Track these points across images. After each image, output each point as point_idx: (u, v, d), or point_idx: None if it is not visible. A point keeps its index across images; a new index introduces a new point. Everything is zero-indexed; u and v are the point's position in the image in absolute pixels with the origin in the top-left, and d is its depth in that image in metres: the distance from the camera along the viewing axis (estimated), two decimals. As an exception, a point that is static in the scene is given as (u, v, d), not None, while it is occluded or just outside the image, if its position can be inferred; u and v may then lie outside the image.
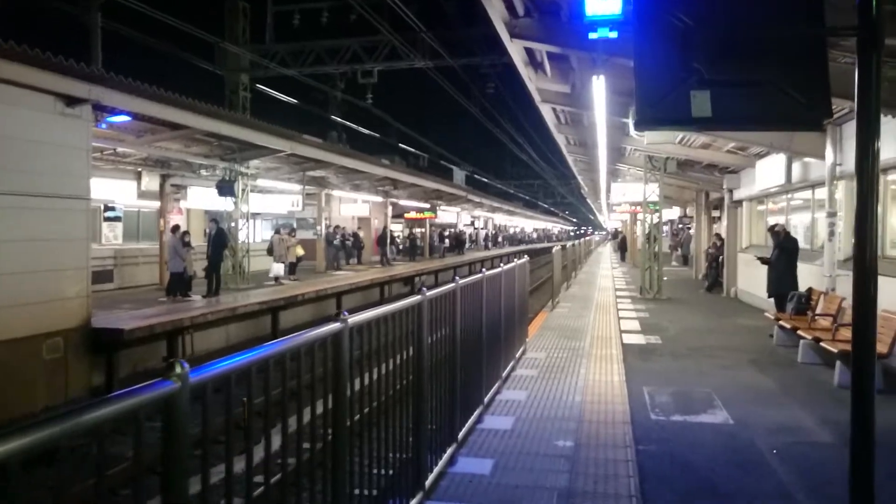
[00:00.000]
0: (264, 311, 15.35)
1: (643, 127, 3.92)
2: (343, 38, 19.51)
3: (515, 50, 7.53)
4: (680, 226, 29.31)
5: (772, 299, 10.17)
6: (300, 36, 19.40)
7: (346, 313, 3.06)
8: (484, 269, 5.62)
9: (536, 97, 10.14)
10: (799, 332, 7.94)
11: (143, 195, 17.21)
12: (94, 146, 13.30)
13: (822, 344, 7.10)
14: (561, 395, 6.49)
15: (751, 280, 14.78)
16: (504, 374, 6.79)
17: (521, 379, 7.16)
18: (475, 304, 5.36)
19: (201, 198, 18.64)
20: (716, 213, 23.01)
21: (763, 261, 10.15)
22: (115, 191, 16.65)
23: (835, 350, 6.68)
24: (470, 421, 5.19)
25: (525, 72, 8.38)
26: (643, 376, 7.37)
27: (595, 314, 12.77)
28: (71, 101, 10.13)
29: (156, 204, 17.94)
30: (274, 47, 19.83)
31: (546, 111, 11.66)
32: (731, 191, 16.09)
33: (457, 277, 4.61)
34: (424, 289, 3.72)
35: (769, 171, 11.74)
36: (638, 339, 9.93)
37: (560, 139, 15.85)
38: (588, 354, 8.60)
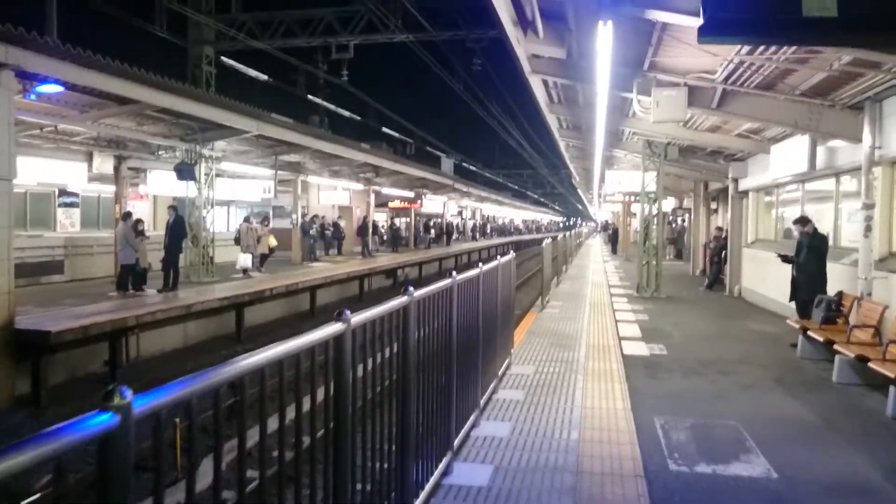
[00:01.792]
0: (226, 308, 13.99)
1: (712, 36, 2.59)
2: (316, 7, 17.95)
3: (502, 2, 6.18)
4: (672, 217, 28.13)
5: (791, 303, 8.93)
6: (269, 5, 17.92)
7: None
8: (454, 274, 4.29)
9: (526, 67, 8.79)
10: (836, 346, 6.68)
11: (94, 178, 15.72)
12: (29, 121, 11.87)
13: (871, 365, 5.84)
14: (553, 429, 5.19)
15: (758, 278, 13.57)
16: (483, 401, 5.48)
17: (503, 405, 5.85)
18: (441, 320, 4.04)
19: (166, 183, 17.15)
20: (714, 206, 21.85)
21: (786, 259, 8.90)
22: (64, 173, 15.15)
23: (892, 375, 5.43)
24: (433, 477, 3.87)
25: (513, 32, 7.05)
26: (652, 401, 6.09)
27: (589, 315, 11.50)
28: (-16, 65, 8.68)
29: (117, 189, 16.47)
30: (241, 17, 18.24)
31: (537, 85, 10.31)
32: (736, 180, 14.83)
33: (410, 289, 3.28)
34: (348, 313, 2.41)
35: (786, 156, 10.48)
36: (640, 349, 8.65)
37: (552, 121, 14.50)
38: (584, 369, 7.32)
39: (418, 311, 3.38)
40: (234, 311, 14.32)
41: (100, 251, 16.71)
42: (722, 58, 7.69)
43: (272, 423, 2.08)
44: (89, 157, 15.12)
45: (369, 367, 2.82)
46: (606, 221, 55.22)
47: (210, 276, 15.90)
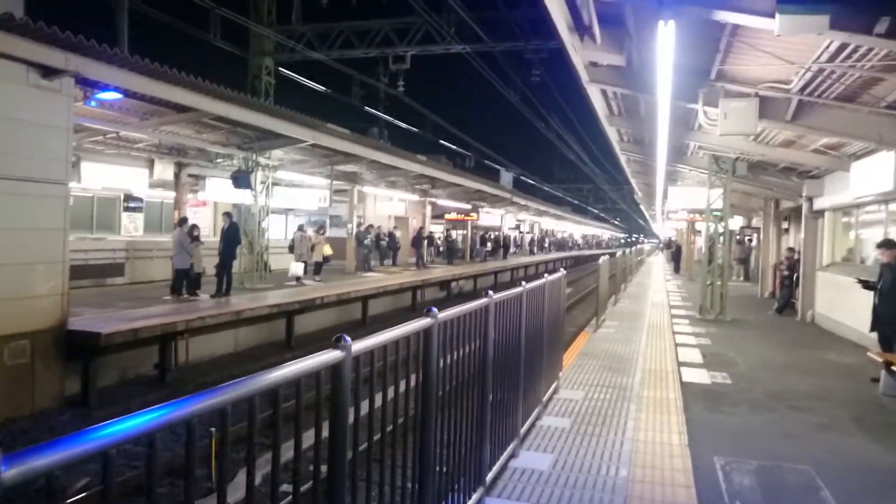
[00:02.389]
0: (277, 315, 13.98)
1: (792, 5, 2.18)
2: (373, 18, 17.96)
3: (557, 6, 5.81)
4: (739, 237, 26.85)
5: (873, 334, 8.14)
6: (328, 16, 18.02)
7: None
8: (490, 293, 3.93)
9: (584, 76, 8.37)
10: (925, 385, 5.96)
11: (156, 184, 16.08)
12: (93, 127, 12.18)
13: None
14: (599, 465, 4.74)
15: (834, 304, 12.62)
16: (523, 431, 5.07)
17: (547, 433, 5.43)
18: (476, 342, 3.69)
19: (225, 190, 17.40)
20: (785, 225, 20.70)
21: (867, 286, 8.13)
22: (127, 179, 15.55)
23: None
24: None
25: (569, 39, 6.66)
26: (712, 438, 5.54)
27: (647, 338, 10.88)
28: (47, 71, 8.88)
29: (177, 195, 16.84)
30: (300, 28, 18.42)
31: (595, 95, 9.84)
32: (810, 199, 13.90)
33: (433, 310, 2.94)
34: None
35: (868, 174, 9.66)
36: (701, 377, 8.04)
37: (612, 134, 13.95)
38: (638, 397, 6.80)
39: (440, 336, 3.03)
40: (285, 318, 14.31)
41: (159, 255, 17.03)
42: (798, 65, 7.09)
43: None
44: (151, 164, 15.48)
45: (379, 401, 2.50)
46: (669, 239, 53.58)
47: (263, 283, 15.98)
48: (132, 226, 18.37)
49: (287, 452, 2.10)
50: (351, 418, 2.25)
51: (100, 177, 14.67)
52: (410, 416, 2.90)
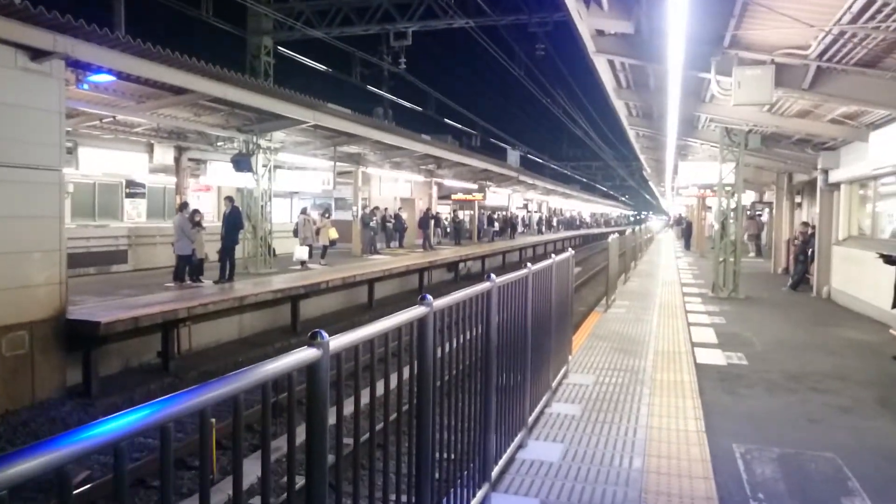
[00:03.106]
0: (281, 300, 13.79)
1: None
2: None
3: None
4: (751, 213, 26.37)
5: (894, 310, 7.83)
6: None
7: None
8: (493, 277, 3.65)
9: (590, 46, 7.99)
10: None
11: (156, 169, 15.83)
12: (89, 111, 11.91)
13: None
14: (612, 455, 4.49)
15: (851, 279, 12.28)
16: (531, 419, 4.83)
17: (556, 421, 5.19)
18: (479, 329, 3.43)
19: (227, 174, 17.14)
20: (799, 199, 20.27)
21: (889, 260, 7.80)
22: (127, 164, 15.31)
23: None
24: (464, 515, 3.27)
25: (574, 5, 6.30)
26: (730, 423, 5.28)
27: (659, 318, 10.60)
28: (36, 54, 8.60)
29: (178, 180, 16.61)
30: (299, 6, 17.99)
31: (602, 67, 9.46)
32: (826, 171, 13.49)
33: (428, 298, 2.68)
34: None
35: (888, 144, 9.27)
36: (716, 358, 7.76)
37: (620, 108, 13.54)
38: (651, 380, 6.54)
39: (436, 325, 2.76)
40: (290, 303, 14.13)
41: (162, 241, 16.84)
42: (818, 28, 6.70)
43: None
44: (151, 149, 15.22)
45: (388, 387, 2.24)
46: (679, 215, 53.03)
47: (268, 268, 15.77)
48: (135, 212, 18.18)
49: (253, 464, 1.86)
50: (333, 420, 2.00)
51: (99, 163, 14.44)
52: (405, 412, 2.66)
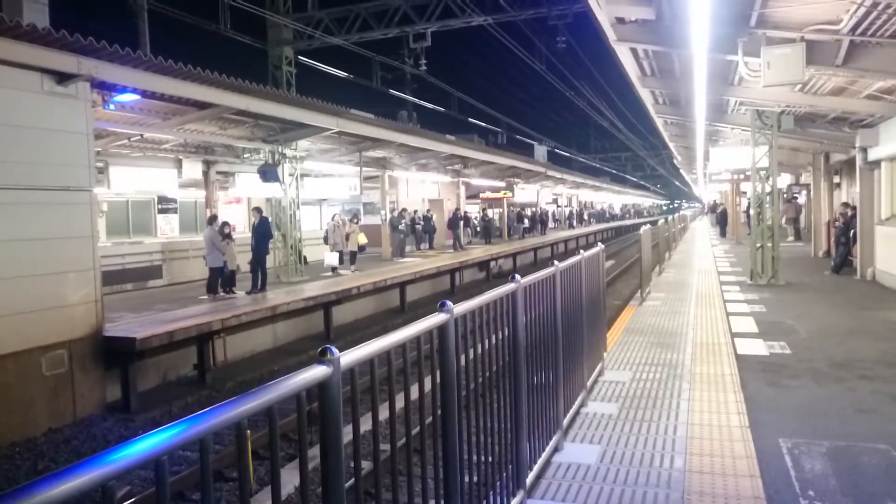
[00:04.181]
0: (313, 308, 13.84)
1: None
2: (390, -3, 17.49)
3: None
4: (785, 195, 25.68)
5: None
6: (343, 0, 17.51)
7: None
8: (518, 278, 3.54)
9: (611, 34, 7.81)
10: None
11: (186, 184, 16.05)
12: (118, 131, 12.11)
13: None
14: (652, 455, 4.34)
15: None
16: (566, 421, 4.70)
17: (593, 421, 5.05)
18: (506, 330, 3.33)
19: (254, 185, 17.31)
20: (837, 179, 19.67)
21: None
22: (158, 181, 15.55)
23: None
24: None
25: (592, -7, 6.15)
26: (775, 417, 5.07)
27: (696, 308, 10.33)
28: (62, 77, 8.76)
29: (207, 194, 16.81)
30: (317, 14, 18.07)
31: (625, 55, 9.25)
32: (865, 149, 13.01)
33: (448, 304, 2.59)
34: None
35: (930, 118, 8.89)
36: (757, 348, 7.51)
37: (646, 96, 13.27)
38: (690, 374, 6.34)
39: (458, 331, 2.67)
40: (322, 310, 14.18)
41: (195, 255, 17.08)
42: (849, 1, 6.43)
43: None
44: (179, 164, 15.43)
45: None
46: (713, 202, 52.01)
47: (299, 276, 15.87)
48: (168, 227, 18.48)
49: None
50: (350, 437, 1.92)
51: (130, 180, 14.69)
52: (429, 424, 2.57)
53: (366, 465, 3.99)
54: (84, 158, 9.21)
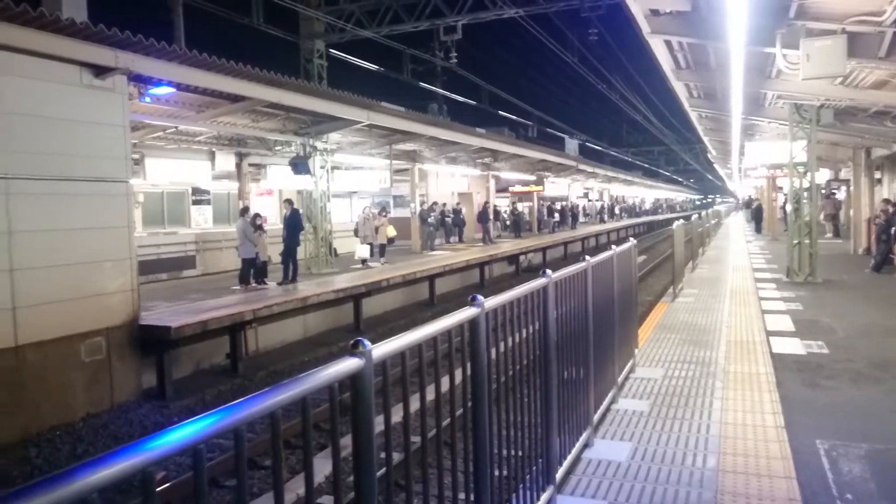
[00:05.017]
0: (343, 300, 13.95)
1: None
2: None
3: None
4: (823, 190, 25.06)
5: None
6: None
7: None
8: (548, 272, 3.51)
9: (644, 26, 7.67)
10: None
11: (219, 176, 16.28)
12: (153, 124, 12.32)
13: None
14: (684, 453, 4.28)
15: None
16: (597, 417, 4.66)
17: (624, 418, 5.00)
18: (537, 324, 3.31)
19: (286, 178, 17.49)
20: (878, 175, 19.14)
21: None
22: (191, 172, 15.81)
23: None
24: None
25: (627, -16, 6.06)
26: (812, 417, 4.96)
27: (730, 305, 10.16)
28: (99, 70, 8.93)
29: (240, 185, 17.05)
30: (349, 7, 18.14)
31: (659, 48, 9.09)
32: (909, 144, 12.63)
33: (479, 298, 2.57)
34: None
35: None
36: (793, 347, 7.36)
37: (680, 89, 13.04)
38: (724, 373, 6.24)
39: (488, 326, 2.66)
40: (352, 302, 14.28)
41: (227, 245, 17.34)
42: (895, -9, 6.22)
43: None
44: (213, 156, 15.66)
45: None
46: (748, 197, 51.01)
47: (330, 268, 16.00)
48: (201, 218, 18.79)
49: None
50: (382, 427, 1.93)
51: (165, 172, 14.96)
52: (459, 416, 2.56)
53: (396, 456, 4.01)
54: (121, 150, 9.39)
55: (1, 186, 7.88)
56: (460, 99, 25.78)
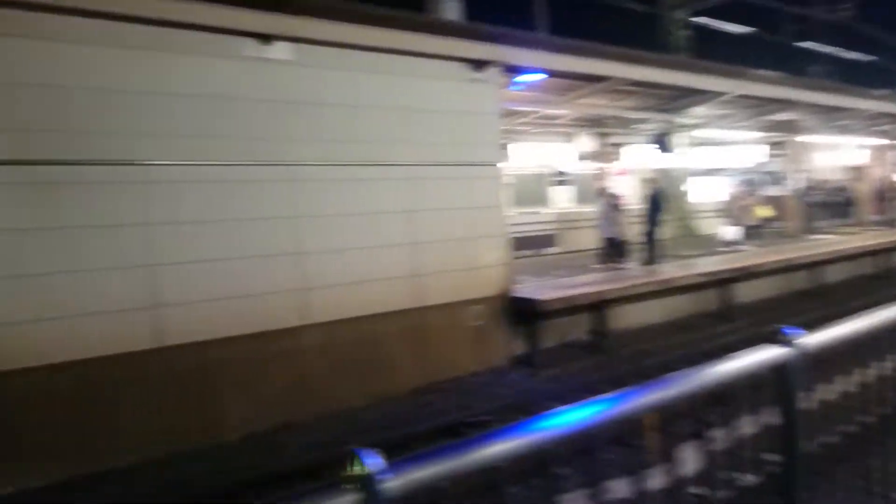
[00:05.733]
0: (707, 284, 13.08)
1: None
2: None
3: None
4: None
5: None
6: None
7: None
8: None
9: None
10: None
11: (581, 157, 16.76)
12: (521, 110, 13.23)
13: None
14: None
15: None
16: None
17: None
18: None
19: (643, 156, 17.17)
20: None
21: None
22: (550, 155, 16.62)
23: None
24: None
25: None
26: None
27: None
28: (478, 65, 9.89)
29: (598, 165, 17.36)
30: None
31: None
32: None
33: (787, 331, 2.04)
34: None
35: None
36: None
37: None
38: None
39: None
40: (716, 287, 13.31)
41: (585, 225, 17.72)
42: None
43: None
44: (571, 138, 16.17)
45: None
46: None
47: (693, 250, 15.19)
48: (561, 198, 19.57)
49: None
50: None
51: (526, 155, 15.98)
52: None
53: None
54: (493, 137, 10.27)
55: (401, 172, 9.28)
56: (852, 55, 21.91)
